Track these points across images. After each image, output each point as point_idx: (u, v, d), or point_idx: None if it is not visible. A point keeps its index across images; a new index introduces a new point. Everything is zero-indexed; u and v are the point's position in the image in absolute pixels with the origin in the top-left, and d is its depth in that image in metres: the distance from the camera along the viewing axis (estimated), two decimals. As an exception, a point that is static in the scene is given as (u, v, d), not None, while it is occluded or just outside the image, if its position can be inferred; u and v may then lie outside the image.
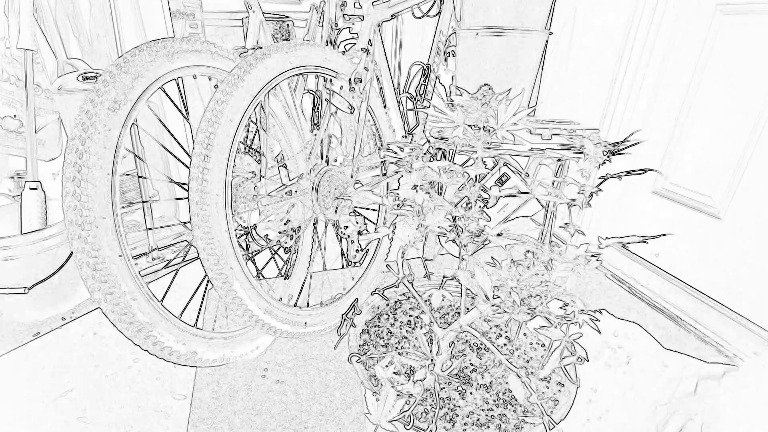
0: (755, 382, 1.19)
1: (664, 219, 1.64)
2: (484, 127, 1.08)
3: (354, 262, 1.58)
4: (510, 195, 1.14)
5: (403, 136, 1.66)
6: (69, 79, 1.54)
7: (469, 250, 1.12)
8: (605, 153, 1.09)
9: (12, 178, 1.59)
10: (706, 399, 1.17)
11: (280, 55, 1.16)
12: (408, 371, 1.02)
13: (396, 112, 1.63)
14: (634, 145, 1.09)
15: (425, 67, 1.72)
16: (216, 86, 1.18)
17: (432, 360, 1.02)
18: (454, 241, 1.12)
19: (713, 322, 1.45)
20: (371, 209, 1.68)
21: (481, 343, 1.32)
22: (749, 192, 1.36)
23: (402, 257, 1.18)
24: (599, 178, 1.10)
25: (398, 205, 1.14)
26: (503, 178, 1.25)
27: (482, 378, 1.23)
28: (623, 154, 1.10)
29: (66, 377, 1.29)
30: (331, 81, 1.30)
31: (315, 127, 1.38)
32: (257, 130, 1.28)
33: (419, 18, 1.68)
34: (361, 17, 1.40)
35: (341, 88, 1.30)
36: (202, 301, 1.43)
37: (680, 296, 1.56)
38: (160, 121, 1.62)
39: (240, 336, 1.23)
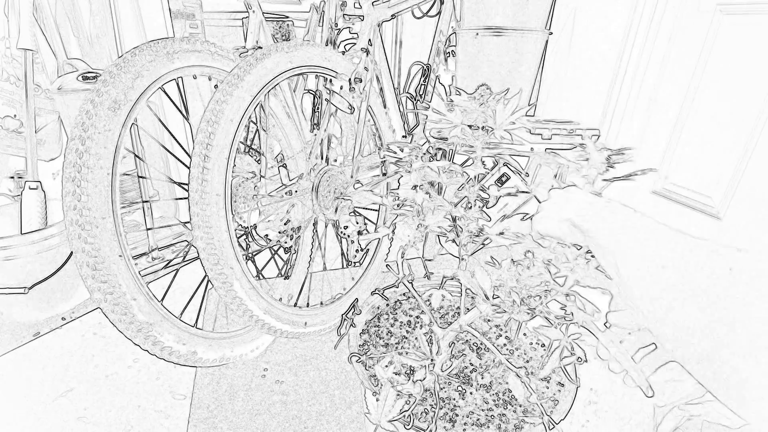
0: None
1: (664, 219, 1.64)
2: (482, 126, 1.08)
3: (354, 262, 1.58)
4: (510, 195, 1.15)
5: (403, 136, 1.66)
6: (69, 79, 1.54)
7: (469, 250, 1.12)
8: (607, 159, 1.09)
9: (12, 178, 1.59)
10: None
11: (280, 55, 1.16)
12: (408, 371, 1.02)
13: (396, 112, 1.63)
14: (627, 161, 1.10)
15: (425, 67, 1.72)
16: (216, 86, 1.18)
17: (432, 360, 1.02)
18: (454, 241, 1.12)
19: (713, 322, 1.45)
20: (371, 209, 1.68)
21: (481, 343, 1.32)
22: (749, 192, 1.36)
23: (402, 257, 1.18)
24: (603, 180, 1.11)
25: (398, 205, 1.14)
26: (503, 178, 1.25)
27: (482, 378, 1.23)
28: (622, 162, 1.11)
29: (66, 377, 1.29)
30: (331, 81, 1.30)
31: (315, 127, 1.38)
32: (257, 130, 1.28)
33: (419, 18, 1.68)
34: (361, 17, 1.40)
35: (341, 88, 1.30)
36: (202, 301, 1.43)
37: (680, 296, 1.56)
38: (160, 121, 1.62)
39: (240, 336, 1.23)
